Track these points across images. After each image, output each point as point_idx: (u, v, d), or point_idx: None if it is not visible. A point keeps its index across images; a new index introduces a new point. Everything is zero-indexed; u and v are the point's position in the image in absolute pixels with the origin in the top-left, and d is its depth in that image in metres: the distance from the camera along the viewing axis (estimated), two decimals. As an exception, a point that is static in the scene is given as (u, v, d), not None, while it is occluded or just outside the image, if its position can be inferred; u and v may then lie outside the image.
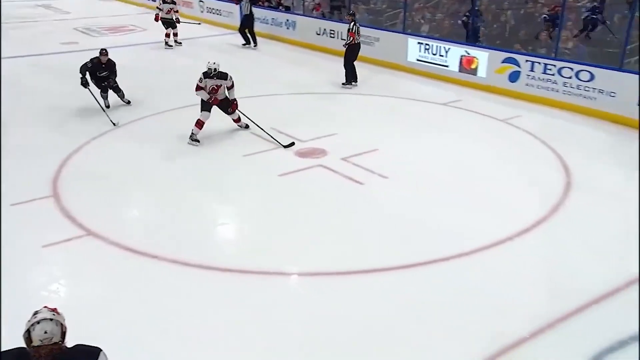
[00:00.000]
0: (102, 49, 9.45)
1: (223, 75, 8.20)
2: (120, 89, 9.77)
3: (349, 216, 6.31)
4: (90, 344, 2.66)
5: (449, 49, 11.42)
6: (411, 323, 4.57)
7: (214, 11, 18.28)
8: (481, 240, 5.63)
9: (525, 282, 5.08)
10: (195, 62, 13.66)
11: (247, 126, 8.77)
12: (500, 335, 4.32)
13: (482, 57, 10.85)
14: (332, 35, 14.05)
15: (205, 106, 8.23)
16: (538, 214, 6.16)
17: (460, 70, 11.27)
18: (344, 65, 11.22)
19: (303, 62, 13.51)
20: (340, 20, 14.26)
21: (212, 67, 8.05)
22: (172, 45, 14.97)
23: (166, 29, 14.84)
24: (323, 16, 15.19)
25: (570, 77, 9.54)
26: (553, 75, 9.78)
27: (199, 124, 8.18)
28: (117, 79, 9.62)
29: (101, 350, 2.67)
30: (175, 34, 15.04)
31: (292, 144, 8.05)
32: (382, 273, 5.20)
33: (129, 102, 9.94)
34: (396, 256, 5.42)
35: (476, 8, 11.50)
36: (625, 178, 7.16)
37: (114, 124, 8.82)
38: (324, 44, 14.27)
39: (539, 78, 10.00)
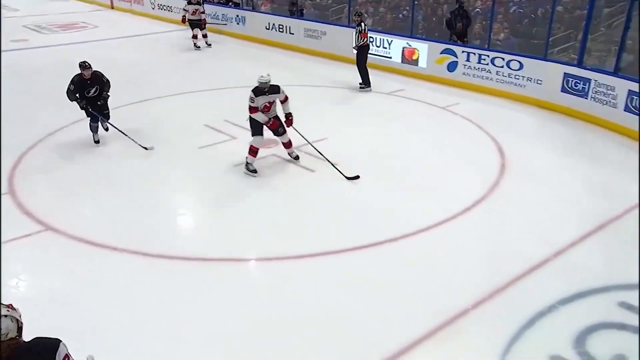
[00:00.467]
0: (81, 62, 7.30)
1: (275, 89, 6.71)
2: (107, 107, 7.78)
3: (302, 202, 6.33)
4: (51, 337, 2.59)
5: (391, 41, 11.52)
6: (364, 301, 4.63)
7: (164, 7, 17.81)
8: (427, 220, 5.74)
9: (468, 257, 5.22)
10: (142, 57, 13.43)
11: (297, 157, 7.21)
12: (448, 307, 4.45)
13: (422, 48, 11.00)
14: (280, 30, 13.94)
15: (257, 129, 6.79)
16: (477, 193, 6.33)
17: (402, 62, 11.40)
18: (358, 68, 10.33)
19: (252, 56, 13.35)
20: (288, 16, 14.17)
21: (265, 80, 6.56)
22: (199, 47, 13.90)
23: (192, 30, 13.77)
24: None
25: (502, 66, 9.80)
26: (487, 64, 10.02)
27: (253, 151, 6.80)
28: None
29: (61, 341, 2.59)
30: (205, 35, 14.00)
31: (357, 177, 6.71)
32: (335, 255, 5.24)
33: (107, 129, 7.95)
34: (347, 239, 5.47)
35: (415, 2, 11.61)
36: (553, 156, 7.44)
37: (147, 149, 7.47)
38: (273, 38, 14.15)
39: (474, 67, 10.23)
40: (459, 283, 4.82)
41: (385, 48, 11.62)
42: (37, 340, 2.57)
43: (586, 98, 8.56)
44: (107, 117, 7.77)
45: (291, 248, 5.35)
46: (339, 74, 11.64)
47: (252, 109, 6.67)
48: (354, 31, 10.33)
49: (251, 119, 6.78)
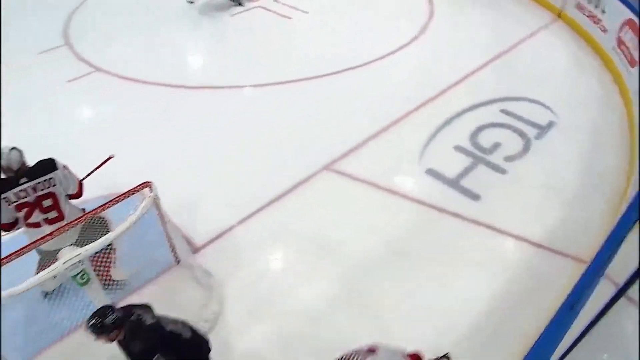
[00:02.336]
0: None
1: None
2: None
3: (282, 43, 6.22)
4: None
5: None
6: (324, 119, 4.77)
7: None
8: (377, 53, 5.74)
9: (406, 80, 5.31)
10: None
11: None
12: (387, 116, 4.68)
13: None
14: None
15: None
16: (412, 34, 6.25)
17: None
18: None
19: None
20: None
21: None
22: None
23: None
24: None
25: None
26: None
27: None
28: None
29: (54, 159, 2.64)
30: None
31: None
32: (309, 81, 5.30)
33: None
34: (316, 69, 5.46)
35: None
36: (466, 6, 7.04)
37: None
38: None
39: None
40: (397, 98, 4.99)
41: None
42: (39, 162, 2.66)
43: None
44: None
45: (276, 77, 5.32)
46: None
47: None
48: None
49: None
